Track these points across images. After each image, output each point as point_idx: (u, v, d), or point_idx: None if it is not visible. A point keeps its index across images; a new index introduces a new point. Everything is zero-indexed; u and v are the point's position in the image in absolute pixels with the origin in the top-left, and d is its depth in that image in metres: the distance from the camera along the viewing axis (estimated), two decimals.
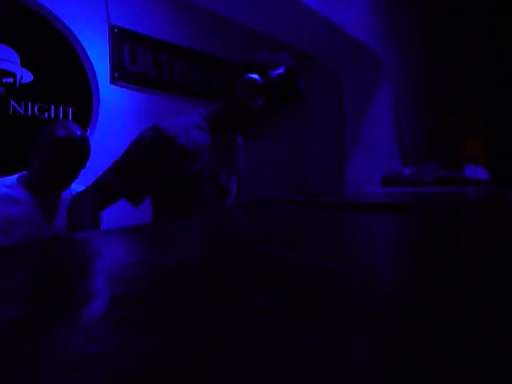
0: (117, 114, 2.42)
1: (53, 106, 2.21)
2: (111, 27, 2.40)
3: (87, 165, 1.27)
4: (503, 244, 0.30)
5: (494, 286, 0.18)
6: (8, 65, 2.06)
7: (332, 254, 0.28)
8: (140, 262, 0.27)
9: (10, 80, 2.07)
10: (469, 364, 0.10)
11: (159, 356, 0.11)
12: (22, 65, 2.11)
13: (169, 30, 2.72)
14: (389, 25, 2.98)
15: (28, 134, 1.24)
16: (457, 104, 3.50)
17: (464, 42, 3.46)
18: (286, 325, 0.14)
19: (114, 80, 2.41)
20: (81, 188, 1.33)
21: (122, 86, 2.46)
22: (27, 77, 2.13)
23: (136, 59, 2.54)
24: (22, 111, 2.09)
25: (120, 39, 2.45)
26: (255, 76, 0.96)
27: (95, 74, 2.34)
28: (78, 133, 1.19)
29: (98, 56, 2.36)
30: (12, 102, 2.06)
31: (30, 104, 2.12)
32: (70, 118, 2.27)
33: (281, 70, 1.02)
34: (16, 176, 1.21)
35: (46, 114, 2.16)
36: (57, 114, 2.21)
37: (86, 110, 2.33)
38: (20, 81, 2.10)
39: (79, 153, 1.19)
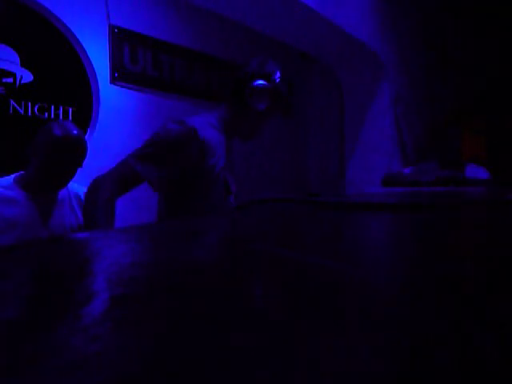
0: (117, 114, 2.42)
1: (53, 106, 2.21)
2: (111, 27, 2.40)
3: (86, 164, 1.27)
4: (503, 244, 0.30)
5: (493, 286, 0.18)
6: (8, 65, 2.06)
7: (332, 254, 0.28)
8: (140, 262, 0.27)
9: (10, 80, 2.07)
10: (469, 364, 0.10)
11: (159, 356, 0.11)
12: (22, 65, 2.11)
13: (169, 29, 2.72)
14: (389, 25, 2.98)
15: (28, 134, 1.24)
16: (457, 104, 3.50)
17: (464, 42, 3.46)
18: (286, 324, 0.14)
19: (114, 80, 2.41)
20: (80, 187, 1.33)
21: (122, 86, 2.46)
22: (27, 77, 2.13)
23: (136, 59, 2.53)
24: (22, 111, 2.09)
25: (120, 39, 2.45)
26: (264, 82, 1.06)
27: (95, 74, 2.34)
28: (75, 132, 1.20)
29: (98, 56, 2.35)
30: (12, 102, 2.06)
31: (29, 104, 2.12)
32: (70, 118, 2.27)
33: (278, 75, 1.11)
34: (13, 176, 1.21)
35: (46, 113, 2.16)
36: (57, 114, 2.21)
37: (86, 110, 2.33)
38: (20, 81, 2.10)
39: (76, 152, 1.19)
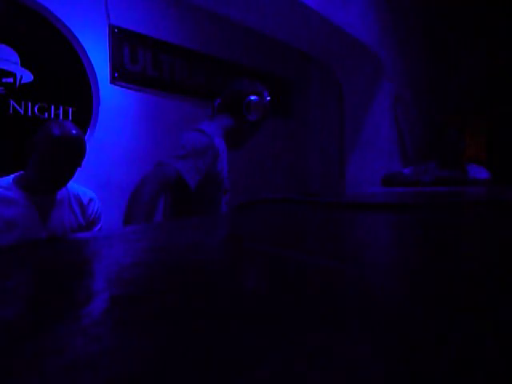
0: (117, 114, 2.42)
1: (53, 106, 2.21)
2: (111, 27, 2.40)
3: (86, 164, 1.27)
4: (503, 244, 0.30)
5: (493, 286, 0.18)
6: (8, 65, 2.06)
7: (332, 254, 0.28)
8: (140, 262, 0.27)
9: (10, 80, 2.06)
10: (469, 364, 0.10)
11: (159, 356, 0.11)
12: (22, 65, 2.11)
13: (169, 29, 2.72)
14: (389, 25, 2.98)
15: (28, 134, 1.24)
16: (457, 104, 3.50)
17: (464, 42, 3.46)
18: (286, 324, 0.14)
19: (113, 80, 2.41)
20: (79, 188, 1.33)
21: (122, 86, 2.46)
22: (27, 77, 2.13)
23: (136, 59, 2.53)
24: (22, 111, 2.09)
25: (120, 39, 2.45)
26: (258, 98, 1.30)
27: (95, 74, 2.34)
28: (73, 131, 1.20)
29: (98, 56, 2.35)
30: (12, 102, 2.06)
31: (30, 104, 2.12)
32: (70, 117, 2.27)
33: (266, 93, 1.38)
34: (12, 176, 1.21)
35: (46, 113, 2.16)
36: (57, 114, 2.21)
37: (86, 110, 2.33)
38: (20, 81, 2.10)
39: (74, 151, 1.19)
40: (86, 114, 2.34)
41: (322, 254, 0.28)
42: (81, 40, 2.28)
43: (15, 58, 2.09)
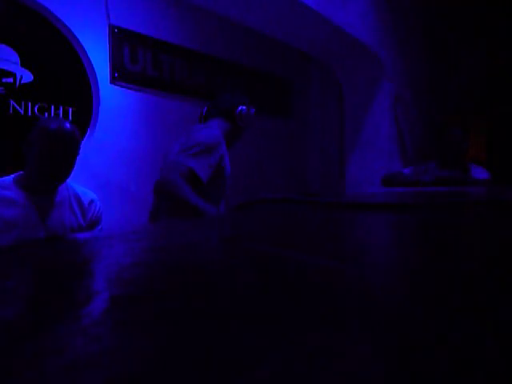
0: (117, 114, 2.42)
1: (53, 106, 2.21)
2: (111, 27, 2.39)
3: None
4: (503, 244, 0.30)
5: (494, 286, 0.18)
6: (8, 65, 2.06)
7: (332, 253, 0.28)
8: (140, 262, 0.27)
9: (10, 80, 2.06)
10: (469, 364, 0.10)
11: (159, 356, 0.11)
12: (22, 65, 2.11)
13: (169, 29, 2.72)
14: (389, 25, 2.98)
15: (28, 134, 1.24)
16: (457, 104, 3.50)
17: (464, 42, 3.46)
18: (286, 324, 0.14)
19: (113, 80, 2.41)
20: (79, 188, 1.32)
21: (122, 86, 2.46)
22: (27, 77, 2.13)
23: (136, 59, 2.53)
24: (22, 111, 2.09)
25: (120, 39, 2.45)
26: (251, 108, 1.51)
27: (95, 74, 2.34)
28: (67, 124, 1.22)
29: (98, 56, 2.35)
30: (12, 102, 2.06)
31: (30, 104, 2.12)
32: (70, 118, 2.27)
33: (251, 105, 1.55)
34: (12, 176, 1.21)
35: (46, 113, 2.16)
36: (57, 114, 2.21)
37: (86, 110, 2.33)
38: (20, 81, 2.10)
39: (71, 142, 1.20)
40: (86, 114, 2.33)
41: (322, 253, 0.28)
42: (81, 40, 2.28)
43: (15, 58, 2.09)
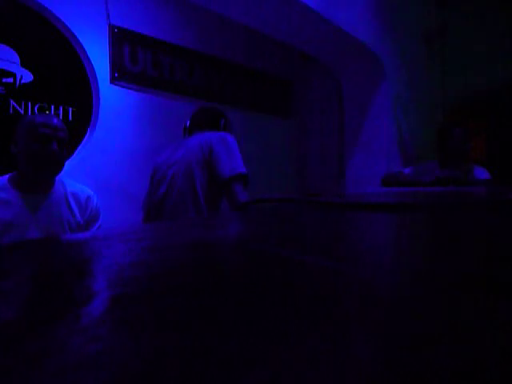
0: (117, 114, 2.42)
1: (53, 106, 2.21)
2: (111, 27, 2.40)
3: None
4: (503, 244, 0.30)
5: (494, 286, 0.18)
6: (8, 65, 2.06)
7: (332, 254, 0.28)
8: (140, 262, 0.27)
9: (10, 80, 2.07)
10: (469, 364, 0.10)
11: (159, 356, 0.11)
12: (22, 65, 2.11)
13: (169, 30, 2.72)
14: (389, 25, 2.98)
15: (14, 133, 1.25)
16: (457, 104, 3.50)
17: (464, 42, 3.46)
18: (286, 324, 0.14)
19: (113, 80, 2.41)
20: (76, 185, 1.31)
21: (122, 86, 2.46)
22: (27, 77, 2.13)
23: (136, 59, 2.54)
24: (22, 111, 2.09)
25: (120, 39, 2.45)
26: (228, 119, 1.64)
27: (95, 74, 2.34)
28: (53, 116, 1.23)
29: (98, 56, 2.36)
30: (12, 102, 2.06)
31: (30, 104, 2.12)
32: (70, 118, 2.27)
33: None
34: (6, 177, 1.20)
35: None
36: (57, 114, 2.21)
37: (86, 110, 2.33)
38: (20, 81, 2.10)
39: (57, 127, 1.19)
40: (86, 114, 2.34)
41: (322, 254, 0.28)
42: (81, 40, 2.28)
43: (15, 58, 2.09)
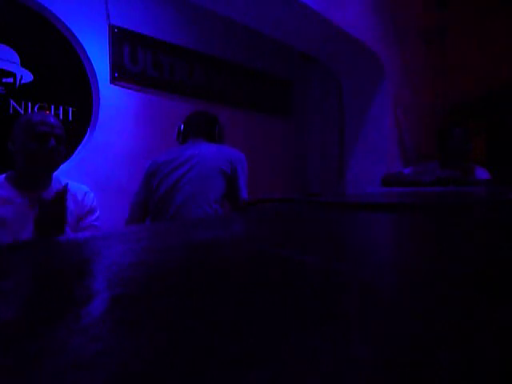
0: (117, 114, 2.42)
1: (53, 106, 2.21)
2: (111, 27, 2.40)
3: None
4: (503, 244, 0.30)
5: (493, 286, 0.18)
6: (8, 65, 2.06)
7: (332, 254, 0.28)
8: (139, 262, 0.27)
9: (10, 80, 2.07)
10: (469, 364, 0.10)
11: (159, 356, 0.11)
12: (22, 65, 2.11)
13: (169, 30, 2.72)
14: (389, 25, 2.98)
15: (12, 132, 1.25)
16: (457, 104, 3.50)
17: (464, 42, 3.46)
18: (286, 325, 0.14)
19: (114, 80, 2.41)
20: (73, 184, 1.31)
21: (122, 86, 2.46)
22: (27, 77, 2.13)
23: (136, 59, 2.53)
24: (22, 111, 2.09)
25: (120, 39, 2.45)
26: (220, 124, 1.68)
27: (95, 74, 2.34)
28: (50, 115, 1.23)
29: (98, 56, 2.35)
30: (12, 102, 2.06)
31: (30, 104, 2.12)
32: (70, 118, 2.27)
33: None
34: (3, 175, 1.21)
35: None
36: (57, 114, 2.21)
37: (86, 110, 2.33)
38: (20, 81, 2.10)
39: (54, 125, 1.20)
40: (86, 114, 2.34)
41: (322, 253, 0.28)
42: (81, 40, 2.28)
43: (15, 58, 2.09)
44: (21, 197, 1.16)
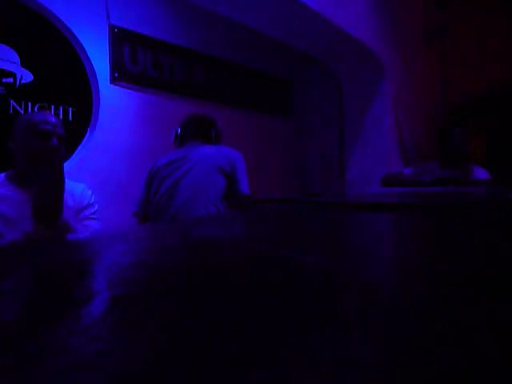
0: (117, 114, 2.42)
1: (53, 106, 2.21)
2: (111, 27, 2.40)
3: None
4: (503, 244, 0.30)
5: (493, 286, 0.18)
6: (8, 65, 2.06)
7: (332, 254, 0.28)
8: (139, 262, 0.27)
9: (10, 80, 2.07)
10: (469, 364, 0.10)
11: (159, 356, 0.11)
12: (22, 65, 2.11)
13: (169, 30, 2.72)
14: (389, 25, 2.98)
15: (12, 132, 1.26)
16: (457, 104, 3.50)
17: (464, 42, 3.46)
18: (286, 325, 0.14)
19: (114, 80, 2.41)
20: (70, 182, 1.31)
21: (122, 86, 2.46)
22: (27, 77, 2.13)
23: (136, 59, 2.53)
24: (22, 111, 2.09)
25: (120, 39, 2.45)
26: (218, 127, 1.69)
27: (95, 74, 2.34)
28: (50, 114, 1.23)
29: (98, 56, 2.35)
30: (12, 102, 2.06)
31: (30, 104, 2.12)
32: (70, 118, 2.27)
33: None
34: (3, 174, 1.21)
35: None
36: (57, 114, 2.21)
37: (86, 110, 2.33)
38: (20, 81, 2.10)
39: (57, 126, 1.20)
40: (86, 114, 2.33)
41: (322, 254, 0.28)
42: (81, 40, 2.28)
43: (15, 58, 2.09)
44: (23, 194, 1.17)
